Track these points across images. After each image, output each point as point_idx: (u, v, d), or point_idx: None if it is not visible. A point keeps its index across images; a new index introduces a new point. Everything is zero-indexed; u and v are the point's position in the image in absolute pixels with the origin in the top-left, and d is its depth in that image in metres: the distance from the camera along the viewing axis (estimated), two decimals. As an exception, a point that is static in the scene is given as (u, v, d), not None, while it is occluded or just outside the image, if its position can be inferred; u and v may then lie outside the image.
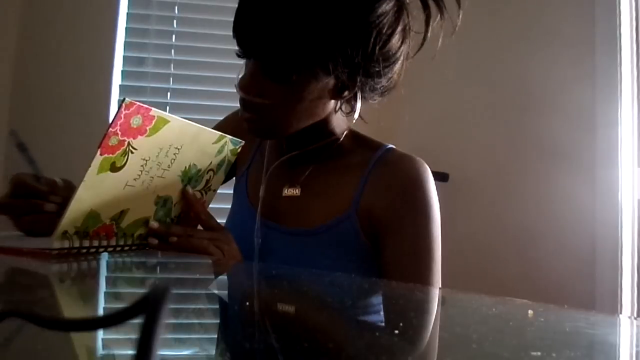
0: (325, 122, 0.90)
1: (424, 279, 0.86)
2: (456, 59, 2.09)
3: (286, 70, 0.80)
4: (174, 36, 2.13)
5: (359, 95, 0.87)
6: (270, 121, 0.85)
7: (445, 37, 0.89)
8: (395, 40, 0.84)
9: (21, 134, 0.85)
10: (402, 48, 0.86)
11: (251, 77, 0.83)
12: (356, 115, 0.88)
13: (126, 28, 2.09)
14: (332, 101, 0.87)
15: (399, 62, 0.87)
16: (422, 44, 0.89)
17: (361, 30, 0.80)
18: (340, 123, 0.94)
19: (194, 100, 2.10)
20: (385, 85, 0.88)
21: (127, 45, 2.09)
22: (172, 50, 2.12)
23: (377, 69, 0.83)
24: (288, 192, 0.92)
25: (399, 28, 0.84)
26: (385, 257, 0.87)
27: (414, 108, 2.04)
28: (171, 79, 2.12)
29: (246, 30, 0.81)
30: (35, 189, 0.79)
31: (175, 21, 2.13)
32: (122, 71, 2.08)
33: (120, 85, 2.07)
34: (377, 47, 0.81)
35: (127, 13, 2.09)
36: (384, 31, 0.81)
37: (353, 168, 0.91)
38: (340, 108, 0.89)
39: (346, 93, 0.86)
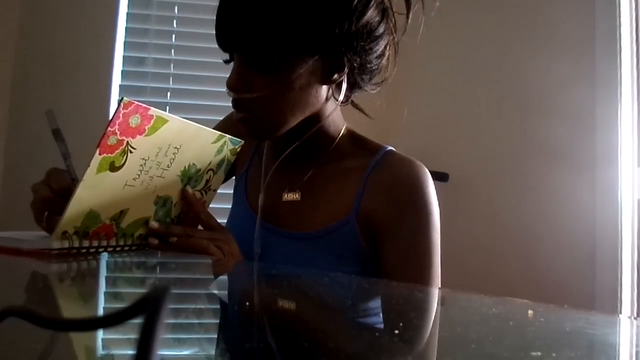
0: (320, 117, 0.89)
1: (423, 284, 0.85)
2: (456, 59, 2.10)
3: (267, 55, 0.80)
4: (174, 36, 2.13)
5: (344, 79, 0.86)
6: (264, 117, 0.84)
7: (429, 16, 0.89)
8: (373, 13, 0.84)
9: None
10: (383, 24, 0.86)
11: (237, 74, 0.83)
12: (341, 97, 0.87)
13: (126, 28, 2.09)
14: (324, 88, 0.86)
15: (384, 39, 0.87)
16: (406, 22, 0.89)
17: (332, 3, 0.80)
18: (337, 122, 0.93)
19: (194, 100, 2.10)
20: (375, 65, 0.87)
21: (127, 45, 2.09)
22: (172, 50, 2.12)
23: (361, 44, 0.83)
24: (288, 196, 0.92)
25: (373, 1, 0.84)
26: (385, 262, 0.87)
27: (413, 108, 2.04)
28: (171, 79, 2.12)
29: (223, 26, 0.82)
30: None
31: (175, 21, 2.13)
32: (122, 71, 2.08)
33: (120, 85, 2.07)
34: (354, 19, 0.81)
35: (127, 13, 2.09)
36: (355, 2, 0.81)
37: (352, 172, 0.90)
38: (333, 95, 0.88)
39: (336, 76, 0.85)
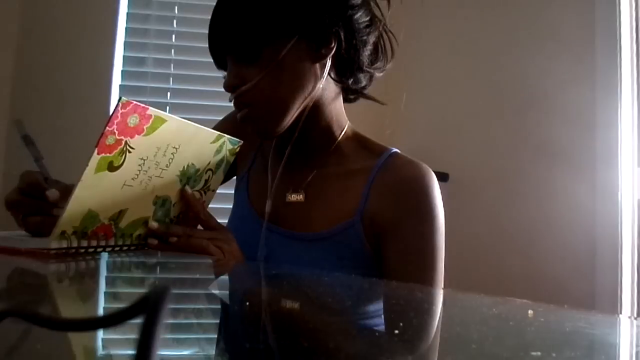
0: (319, 103, 0.89)
1: None
2: (456, 59, 2.10)
3: (248, 44, 0.83)
4: (174, 36, 2.13)
5: (330, 59, 0.87)
6: (263, 105, 0.85)
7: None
8: None
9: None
10: None
11: (230, 73, 0.86)
12: (325, 73, 0.87)
13: (126, 28, 2.09)
14: (317, 67, 0.87)
15: (365, 8, 0.88)
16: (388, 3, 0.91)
17: None
18: (340, 118, 0.93)
19: (194, 100, 2.10)
20: (365, 35, 0.88)
21: (127, 45, 2.09)
22: (172, 50, 2.12)
23: (340, 12, 0.84)
24: (292, 198, 0.92)
25: None
26: (387, 265, 0.87)
27: (414, 108, 2.04)
28: (171, 79, 2.12)
29: (210, 36, 0.87)
30: (44, 189, 0.76)
31: (175, 21, 2.13)
32: (122, 71, 2.08)
33: (120, 85, 2.07)
34: None
35: (127, 13, 2.10)
36: None
37: (357, 173, 0.90)
38: (329, 74, 0.88)
39: (324, 51, 0.86)
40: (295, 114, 0.87)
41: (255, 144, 1.01)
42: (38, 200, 0.75)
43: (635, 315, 1.78)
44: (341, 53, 0.87)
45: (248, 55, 0.83)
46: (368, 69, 0.90)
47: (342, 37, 0.85)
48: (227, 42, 0.85)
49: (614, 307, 1.74)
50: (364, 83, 0.93)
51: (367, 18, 0.88)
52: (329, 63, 0.87)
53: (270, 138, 0.94)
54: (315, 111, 0.89)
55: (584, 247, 1.82)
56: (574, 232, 1.84)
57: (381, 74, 0.93)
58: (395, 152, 0.92)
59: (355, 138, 0.95)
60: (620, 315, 1.57)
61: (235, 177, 1.05)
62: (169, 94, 2.12)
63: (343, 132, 0.94)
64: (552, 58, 1.93)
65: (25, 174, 0.78)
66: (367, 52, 0.89)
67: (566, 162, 1.88)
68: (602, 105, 1.83)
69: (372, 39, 0.89)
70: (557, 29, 1.93)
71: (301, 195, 0.91)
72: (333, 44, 0.86)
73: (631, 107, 1.83)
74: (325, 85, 0.88)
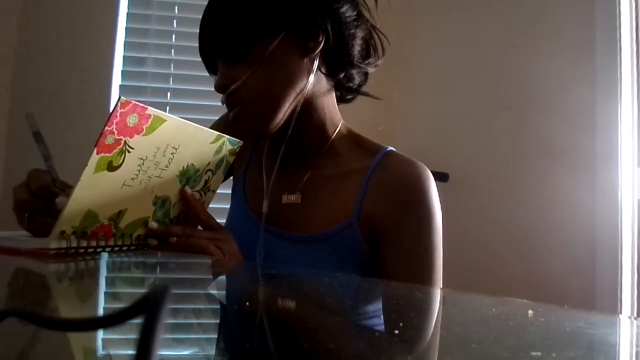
0: (311, 99, 0.89)
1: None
2: (456, 59, 2.10)
3: (239, 40, 0.83)
4: (174, 36, 2.13)
5: (319, 54, 0.87)
6: (254, 102, 0.85)
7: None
8: None
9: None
10: None
11: (220, 75, 0.86)
12: (315, 67, 0.87)
13: (126, 28, 2.09)
14: (306, 61, 0.87)
15: (350, 3, 0.88)
16: None
17: None
18: (333, 116, 0.93)
19: (194, 100, 2.10)
20: (352, 29, 0.88)
21: (127, 45, 2.09)
22: (172, 50, 2.12)
23: (329, 5, 0.85)
24: (288, 199, 0.92)
25: None
26: (386, 265, 0.87)
27: (414, 108, 2.04)
28: (171, 79, 2.12)
29: (200, 44, 0.88)
30: (54, 194, 0.76)
31: (175, 21, 2.13)
32: (122, 71, 2.08)
33: (120, 85, 2.07)
34: None
35: (127, 13, 2.10)
36: None
37: (353, 173, 0.90)
38: (319, 69, 0.88)
39: (312, 44, 0.86)
40: (288, 111, 0.87)
41: (251, 144, 1.01)
42: (47, 203, 0.75)
43: (635, 315, 1.78)
44: (330, 47, 0.87)
45: (236, 54, 0.84)
46: (359, 64, 0.90)
47: (330, 30, 0.86)
48: (215, 42, 0.85)
49: (614, 307, 1.74)
50: (357, 80, 0.93)
51: (354, 12, 0.89)
52: (318, 58, 0.87)
53: (264, 136, 0.92)
54: (308, 108, 0.89)
55: (584, 247, 1.82)
56: (574, 232, 1.84)
57: (373, 70, 0.93)
58: (391, 151, 0.92)
59: (350, 136, 0.95)
60: (620, 315, 1.57)
61: (232, 177, 1.05)
62: (169, 94, 2.12)
63: (337, 130, 0.93)
64: (552, 58, 1.92)
65: (33, 174, 0.78)
66: (356, 46, 0.89)
67: (566, 162, 1.88)
68: (602, 105, 1.83)
69: (360, 33, 0.89)
70: (557, 29, 1.93)
71: (297, 197, 0.91)
72: (321, 38, 0.86)
73: (631, 107, 1.83)
74: (316, 82, 0.88)
